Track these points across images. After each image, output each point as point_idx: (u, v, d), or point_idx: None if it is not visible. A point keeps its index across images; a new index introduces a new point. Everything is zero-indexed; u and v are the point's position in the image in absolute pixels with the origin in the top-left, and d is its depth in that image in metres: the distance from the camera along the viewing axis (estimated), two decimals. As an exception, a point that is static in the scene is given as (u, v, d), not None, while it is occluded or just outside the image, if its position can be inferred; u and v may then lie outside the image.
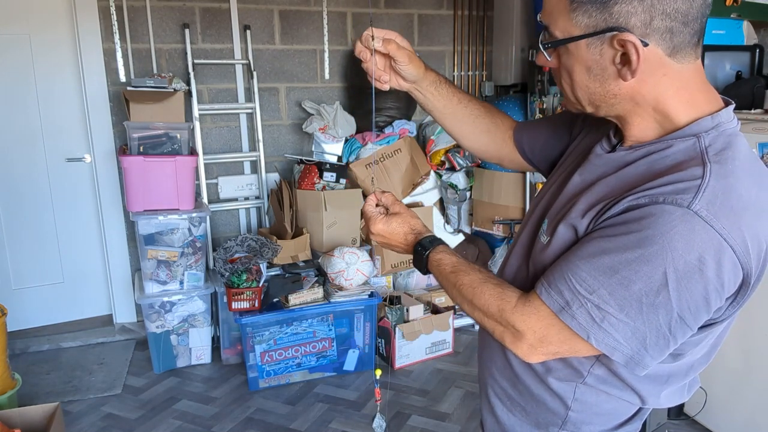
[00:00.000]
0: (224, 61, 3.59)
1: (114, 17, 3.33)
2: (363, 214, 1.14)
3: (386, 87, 1.12)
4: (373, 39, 1.04)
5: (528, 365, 0.97)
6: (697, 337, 0.86)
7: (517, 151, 1.20)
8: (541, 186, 3.40)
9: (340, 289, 3.07)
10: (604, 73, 0.82)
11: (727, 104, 0.86)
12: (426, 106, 1.20)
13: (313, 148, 3.62)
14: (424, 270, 1.05)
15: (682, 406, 2.60)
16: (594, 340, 0.81)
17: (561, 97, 3.26)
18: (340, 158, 3.58)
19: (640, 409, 0.98)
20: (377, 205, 1.14)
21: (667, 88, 0.82)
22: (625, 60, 0.79)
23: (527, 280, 0.95)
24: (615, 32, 0.78)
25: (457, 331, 3.52)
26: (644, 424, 1.01)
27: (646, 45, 0.77)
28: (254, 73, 3.59)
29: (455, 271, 0.99)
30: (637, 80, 0.81)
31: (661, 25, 0.77)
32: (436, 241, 1.06)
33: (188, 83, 3.41)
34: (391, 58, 1.08)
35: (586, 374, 0.93)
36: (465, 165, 3.74)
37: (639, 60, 0.78)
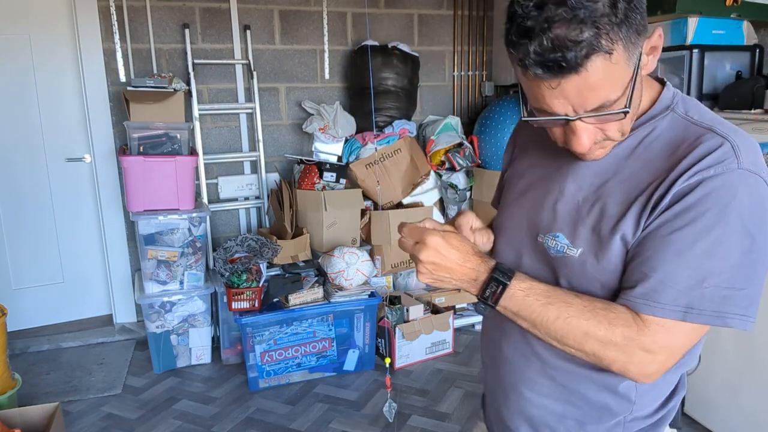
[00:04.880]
0: (224, 61, 3.59)
1: (114, 17, 3.33)
2: (403, 229, 0.94)
3: None
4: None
5: (588, 379, 0.95)
6: None
7: None
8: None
9: (340, 289, 3.07)
10: (641, 77, 0.86)
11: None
12: None
13: (313, 148, 3.62)
14: (494, 303, 0.89)
15: (683, 406, 2.60)
16: (731, 322, 0.81)
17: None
18: (340, 158, 3.58)
19: (680, 378, 1.00)
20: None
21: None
22: (652, 50, 0.84)
23: None
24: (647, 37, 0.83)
25: (457, 331, 3.52)
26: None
27: None
28: (254, 73, 3.59)
29: (555, 302, 0.86)
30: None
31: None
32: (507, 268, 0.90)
33: (188, 83, 3.41)
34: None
35: None
36: (465, 165, 3.74)
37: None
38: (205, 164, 3.54)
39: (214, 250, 3.40)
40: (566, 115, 0.82)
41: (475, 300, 0.93)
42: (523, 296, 0.87)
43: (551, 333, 0.86)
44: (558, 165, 0.97)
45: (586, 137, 0.84)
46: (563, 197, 0.95)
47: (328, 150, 3.57)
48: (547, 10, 0.76)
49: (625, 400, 0.95)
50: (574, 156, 0.90)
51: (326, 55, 3.83)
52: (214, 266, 3.19)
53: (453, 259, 0.89)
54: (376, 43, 3.74)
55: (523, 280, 0.88)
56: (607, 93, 0.79)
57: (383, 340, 3.24)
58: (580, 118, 0.82)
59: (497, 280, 0.88)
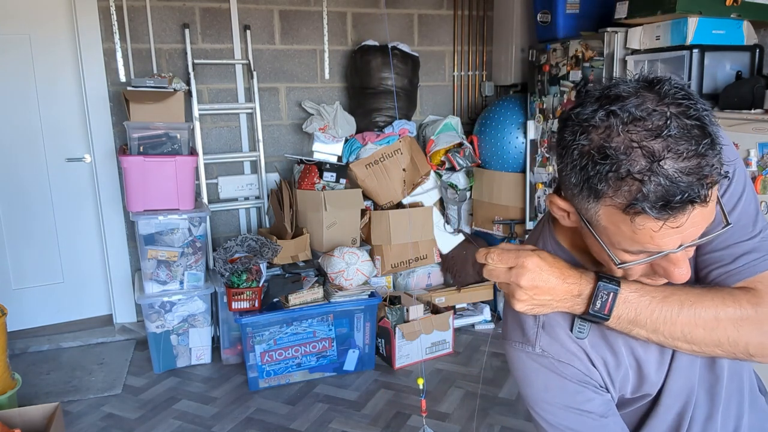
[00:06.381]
0: (224, 61, 3.59)
1: (114, 17, 3.33)
2: (491, 256, 0.83)
3: None
4: None
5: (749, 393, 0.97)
6: None
7: None
8: (541, 186, 3.40)
9: (340, 289, 3.07)
10: None
11: None
12: None
13: (312, 148, 3.62)
14: (608, 313, 0.79)
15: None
16: None
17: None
18: (339, 158, 3.58)
19: None
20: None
21: None
22: None
23: None
24: None
25: (457, 331, 3.52)
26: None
27: None
28: (254, 73, 3.59)
29: (671, 294, 0.79)
30: None
31: None
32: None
33: (188, 83, 3.41)
34: None
35: None
36: (465, 165, 3.74)
37: None
38: (205, 164, 3.54)
39: (214, 250, 3.40)
40: (672, 249, 0.71)
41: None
42: (637, 297, 0.79)
43: (677, 330, 0.78)
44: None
45: (687, 263, 0.75)
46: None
47: (328, 150, 3.57)
48: (662, 139, 0.64)
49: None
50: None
51: (326, 55, 3.82)
52: (214, 266, 3.19)
53: (553, 278, 0.80)
54: (377, 43, 3.75)
55: (630, 283, 0.80)
56: (713, 213, 0.71)
57: (383, 340, 3.24)
58: (685, 247, 0.72)
59: (606, 287, 0.79)
